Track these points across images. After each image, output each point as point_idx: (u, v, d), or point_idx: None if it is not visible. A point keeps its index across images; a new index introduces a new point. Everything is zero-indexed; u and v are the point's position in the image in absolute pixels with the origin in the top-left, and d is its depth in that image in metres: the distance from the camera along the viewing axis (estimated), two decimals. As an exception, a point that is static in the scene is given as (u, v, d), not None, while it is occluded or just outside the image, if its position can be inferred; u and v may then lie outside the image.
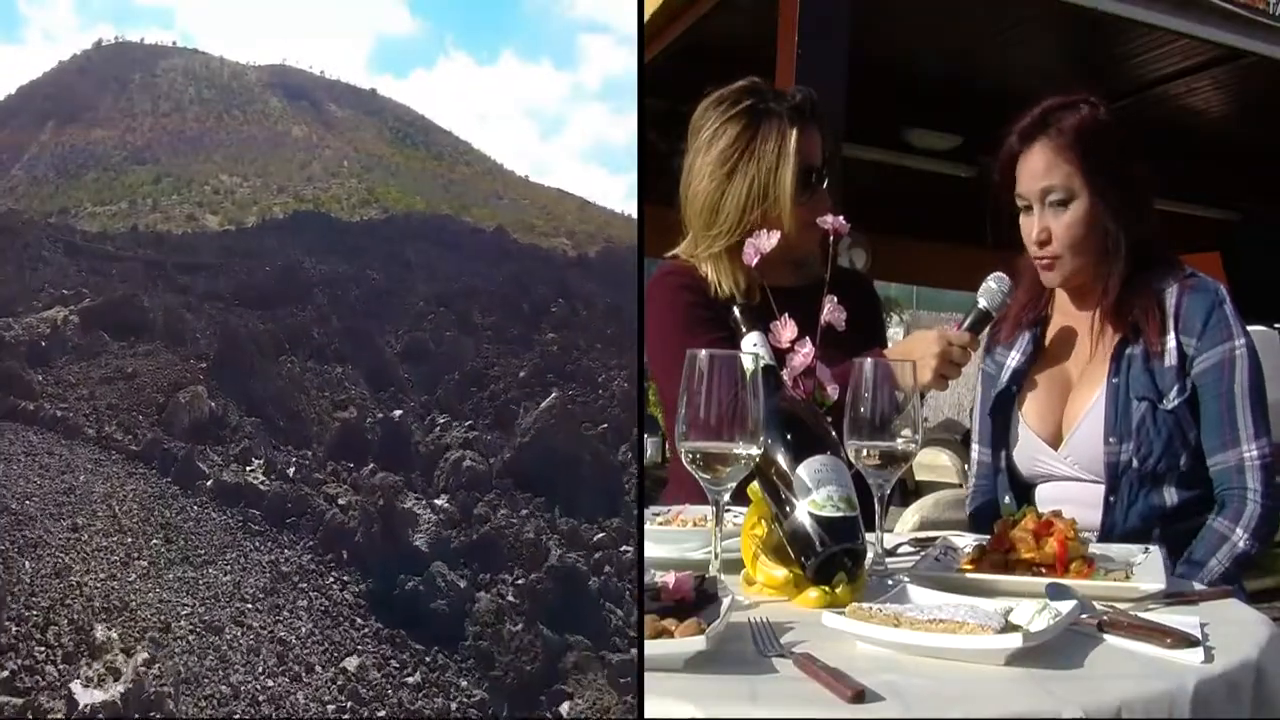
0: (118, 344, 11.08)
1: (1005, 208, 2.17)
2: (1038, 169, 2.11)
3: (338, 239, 19.33)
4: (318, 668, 5.75)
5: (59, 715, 4.84)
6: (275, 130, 38.84)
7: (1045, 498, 2.17)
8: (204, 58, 45.47)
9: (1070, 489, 2.14)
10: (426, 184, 35.68)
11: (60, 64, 45.74)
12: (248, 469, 8.27)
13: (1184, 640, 1.25)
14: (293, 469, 8.29)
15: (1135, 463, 2.05)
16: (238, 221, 27.52)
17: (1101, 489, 2.10)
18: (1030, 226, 2.13)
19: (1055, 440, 2.16)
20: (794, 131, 2.21)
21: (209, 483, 7.85)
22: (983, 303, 2.07)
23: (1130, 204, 2.11)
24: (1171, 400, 2.05)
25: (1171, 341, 2.07)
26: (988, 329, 2.14)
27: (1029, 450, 2.19)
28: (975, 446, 2.35)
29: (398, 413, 9.38)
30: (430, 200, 31.88)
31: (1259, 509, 2.01)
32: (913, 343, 2.11)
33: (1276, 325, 6.38)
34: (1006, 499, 2.22)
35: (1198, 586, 1.80)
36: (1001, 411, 2.26)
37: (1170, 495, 2.07)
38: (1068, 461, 2.14)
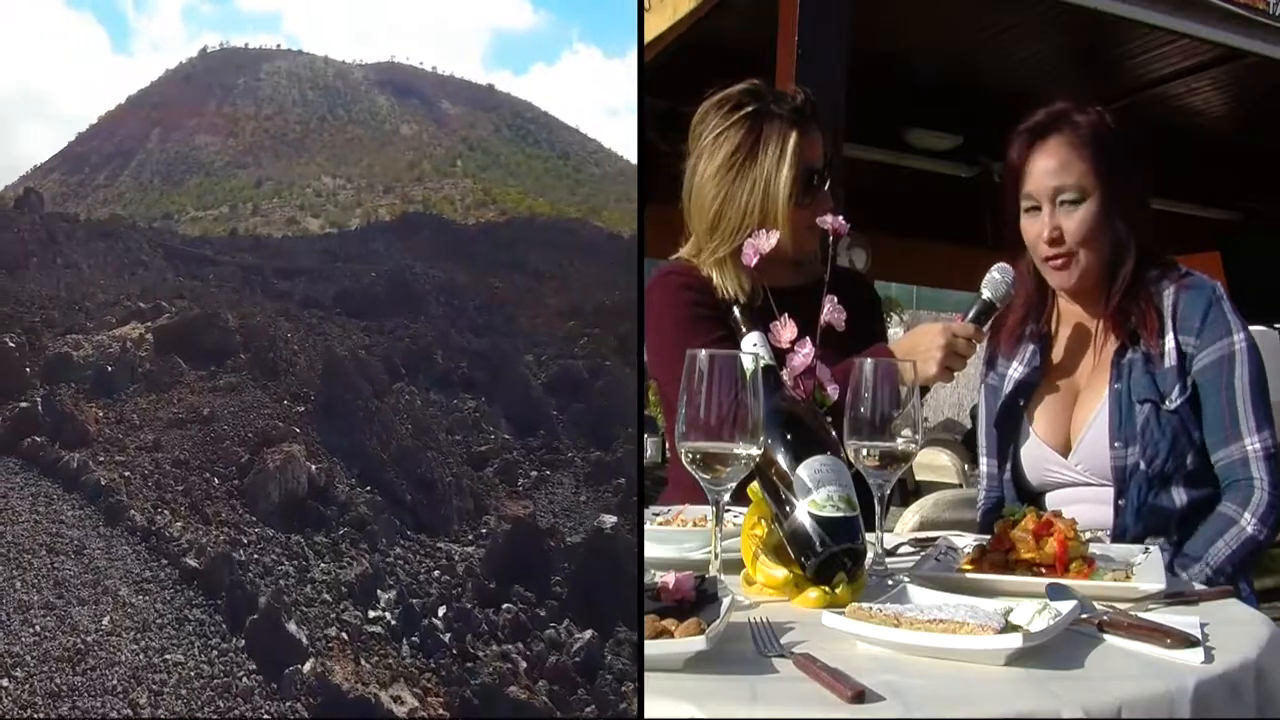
0: (195, 373, 9.12)
1: (1011, 207, 2.17)
2: (1051, 166, 2.10)
3: (451, 243, 17.72)
4: None
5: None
6: (382, 129, 37.75)
7: (1056, 505, 2.16)
8: (308, 59, 44.78)
9: (1080, 494, 2.15)
10: (550, 185, 33.77)
11: (167, 72, 45.64)
12: (374, 606, 5.71)
13: (1184, 640, 1.25)
14: (436, 596, 5.66)
15: (1142, 465, 2.06)
16: (340, 224, 26.48)
17: (1111, 492, 2.10)
18: (1038, 227, 2.11)
19: (1064, 448, 2.16)
20: (795, 134, 2.22)
21: (301, 634, 5.22)
22: (986, 293, 2.07)
23: (1138, 206, 2.12)
24: (1174, 400, 2.05)
25: (1170, 342, 2.07)
26: (990, 321, 2.14)
27: (1039, 460, 2.19)
28: (983, 460, 2.35)
29: (609, 520, 6.09)
30: (555, 203, 29.82)
31: (1267, 496, 2.01)
32: (917, 335, 2.10)
33: (1276, 325, 6.38)
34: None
35: (1198, 586, 1.80)
36: (1008, 422, 2.26)
37: (1179, 496, 2.07)
38: (1078, 468, 2.14)
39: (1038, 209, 2.12)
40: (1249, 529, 2.00)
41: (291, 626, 5.35)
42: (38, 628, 5.13)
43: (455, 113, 39.95)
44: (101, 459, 7.32)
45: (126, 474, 7.11)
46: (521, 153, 37.56)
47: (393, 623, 5.72)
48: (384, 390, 8.54)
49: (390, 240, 18.44)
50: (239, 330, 9.75)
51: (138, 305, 11.14)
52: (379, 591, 5.99)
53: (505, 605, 5.84)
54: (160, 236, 18.18)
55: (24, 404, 7.91)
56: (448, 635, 5.59)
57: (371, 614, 5.84)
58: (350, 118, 38.91)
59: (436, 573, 6.31)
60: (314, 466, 7.22)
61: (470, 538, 6.99)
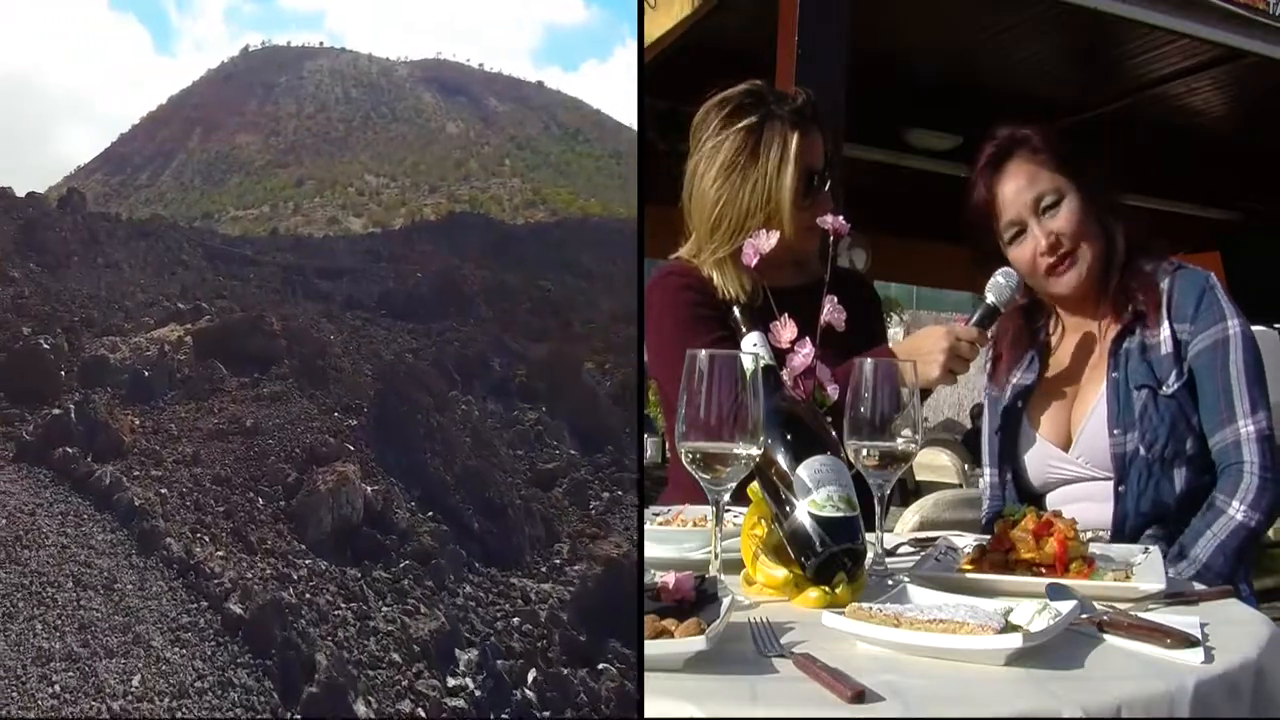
0: (237, 380, 8.32)
1: (992, 245, 2.18)
2: (1021, 184, 2.13)
3: (500, 243, 16.86)
4: None
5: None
6: (428, 127, 36.96)
7: (1057, 502, 2.17)
8: (351, 56, 43.94)
9: (1081, 490, 2.15)
10: (602, 184, 32.97)
11: (208, 72, 45.26)
12: (453, 670, 4.86)
13: (1184, 640, 1.25)
14: (521, 654, 4.82)
15: (1142, 450, 2.06)
16: (383, 224, 25.73)
17: (1112, 485, 2.10)
18: (1030, 246, 2.13)
19: (1065, 443, 2.17)
20: (796, 135, 2.22)
21: (369, 711, 4.42)
22: (991, 298, 2.07)
23: (1112, 197, 2.16)
24: (1170, 385, 2.06)
25: (1166, 330, 2.09)
26: (994, 325, 2.14)
27: (1041, 458, 2.20)
28: (986, 470, 2.35)
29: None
30: (607, 203, 29.06)
31: (1256, 480, 2.00)
32: (920, 337, 2.11)
33: (1276, 325, 6.38)
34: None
35: (1198, 586, 1.80)
36: (1010, 426, 2.27)
37: (1180, 481, 2.07)
38: (1079, 461, 2.14)
39: (1023, 231, 2.13)
40: (1238, 516, 2.00)
41: (360, 707, 4.46)
42: (58, 687, 4.44)
43: (503, 110, 39.16)
44: (136, 473, 6.59)
45: (163, 491, 6.32)
46: (571, 151, 36.82)
47: (477, 693, 4.81)
48: (443, 401, 7.59)
49: (435, 240, 17.66)
50: (283, 334, 8.91)
51: (176, 306, 10.57)
52: (456, 651, 5.14)
53: (602, 665, 4.96)
54: (200, 236, 17.76)
55: (56, 410, 7.40)
56: (545, 714, 4.64)
57: (451, 681, 4.92)
58: (394, 116, 38.24)
59: (516, 619, 5.55)
60: (370, 489, 6.31)
61: (544, 570, 6.26)
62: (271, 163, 34.88)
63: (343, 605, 5.41)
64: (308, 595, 5.40)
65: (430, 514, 6.44)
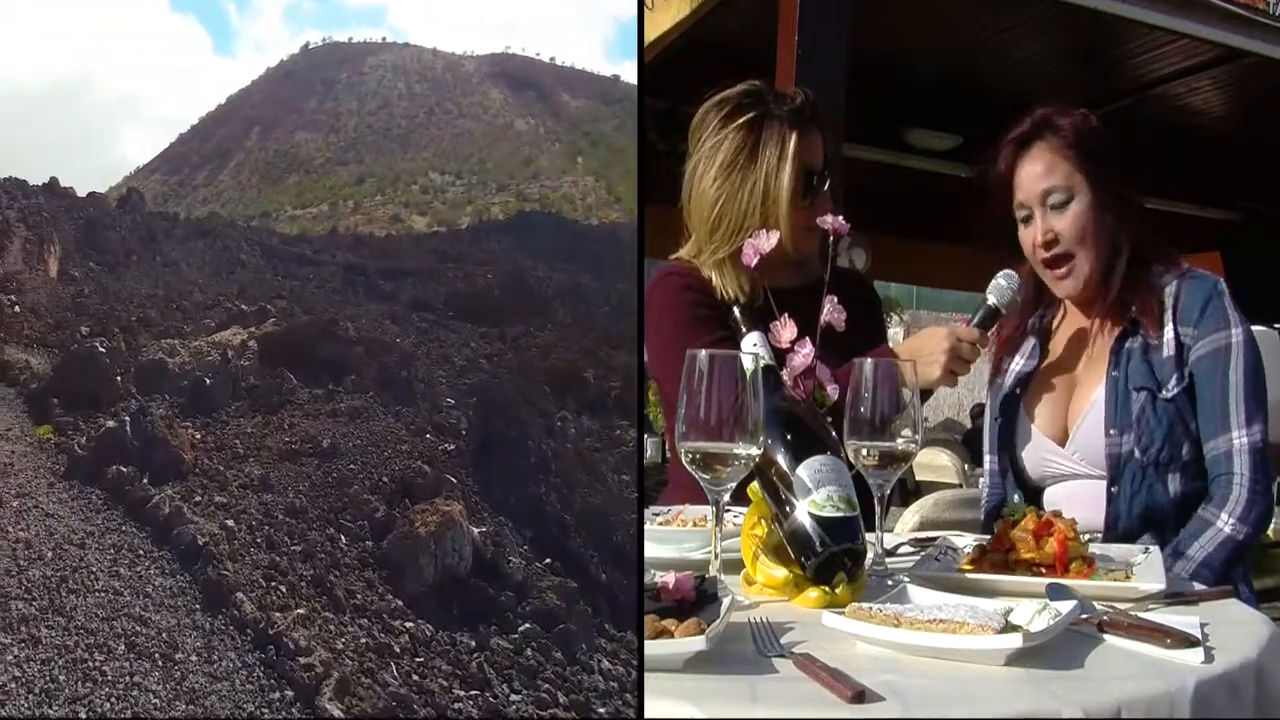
0: (308, 391, 7.42)
1: (1003, 219, 2.18)
2: (1037, 171, 2.12)
3: (572, 244, 16.24)
4: None
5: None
6: (495, 123, 35.47)
7: (1053, 499, 2.17)
8: (415, 51, 42.43)
9: (1077, 488, 2.14)
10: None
11: (268, 71, 44.04)
12: None
13: (1184, 640, 1.25)
14: None
15: (1137, 453, 2.05)
16: (448, 223, 24.74)
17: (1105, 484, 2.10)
18: (1032, 234, 2.13)
19: (1061, 438, 2.16)
20: (794, 136, 2.22)
21: None
22: (992, 299, 2.07)
23: (1127, 202, 2.13)
24: (1170, 389, 2.05)
25: (1170, 332, 2.08)
26: (995, 327, 2.14)
27: (1037, 451, 2.19)
28: (987, 458, 2.35)
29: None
30: None
31: (1245, 493, 1.99)
32: (921, 339, 2.11)
33: (1276, 325, 6.38)
34: (1016, 497, 2.22)
35: (1197, 586, 1.80)
36: (1007, 415, 2.27)
37: (1174, 485, 2.06)
38: (1074, 458, 2.14)
39: (1030, 216, 2.14)
40: (1226, 529, 1.99)
41: None
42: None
43: (576, 106, 37.48)
44: (198, 499, 5.81)
45: (229, 523, 5.49)
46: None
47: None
48: (549, 422, 6.46)
49: (504, 240, 16.95)
50: (358, 340, 7.94)
51: (239, 308, 9.90)
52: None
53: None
54: (258, 235, 17.44)
55: (111, 423, 6.71)
56: None
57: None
58: (460, 111, 36.60)
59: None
60: (478, 531, 5.33)
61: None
62: (331, 160, 33.76)
63: (462, 694, 4.40)
64: (416, 677, 4.47)
65: (548, 561, 5.46)
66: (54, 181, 15.34)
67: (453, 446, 6.51)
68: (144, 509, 5.76)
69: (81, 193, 15.83)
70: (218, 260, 14.15)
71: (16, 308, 10.00)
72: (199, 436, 6.72)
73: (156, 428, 6.48)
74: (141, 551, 5.31)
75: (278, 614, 4.70)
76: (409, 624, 4.81)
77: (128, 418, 6.69)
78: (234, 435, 6.88)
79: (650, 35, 5.36)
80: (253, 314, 9.44)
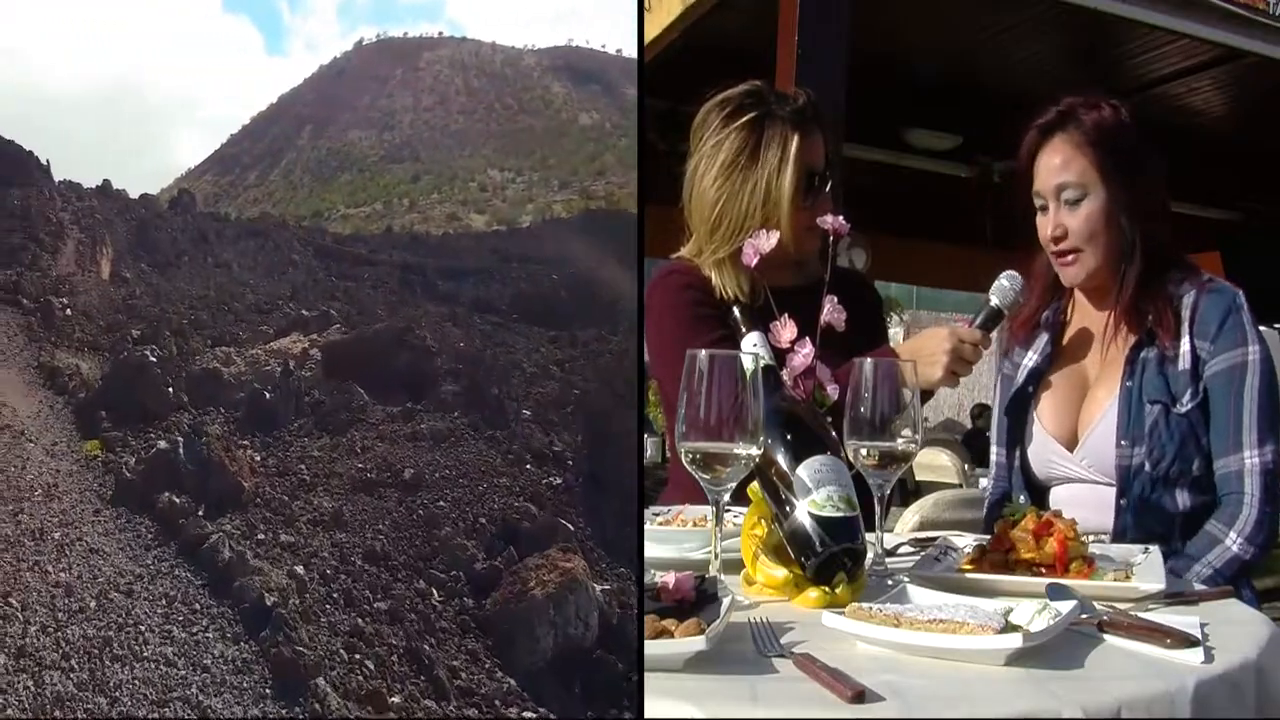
0: (383, 410, 6.52)
1: (1019, 204, 2.17)
2: (1054, 164, 2.11)
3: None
4: None
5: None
6: (558, 119, 34.49)
7: (1059, 502, 2.16)
8: (474, 45, 41.41)
9: (1084, 492, 2.13)
10: None
11: (320, 68, 43.29)
12: None
13: (1184, 640, 1.25)
14: None
15: (1147, 466, 2.04)
16: (509, 221, 23.96)
17: (1114, 494, 2.09)
18: (1045, 225, 2.13)
19: (1070, 442, 2.15)
20: (796, 136, 2.22)
21: None
22: (995, 300, 2.06)
23: (1145, 204, 2.11)
24: (1185, 404, 2.04)
25: (1186, 345, 2.06)
26: (999, 328, 2.14)
27: (1044, 451, 2.19)
28: (994, 448, 2.35)
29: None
30: None
31: (1254, 514, 1.99)
32: (923, 339, 2.10)
33: (1277, 325, 6.38)
34: (1022, 498, 2.21)
35: (1198, 586, 1.80)
36: (1017, 411, 2.26)
37: (1183, 500, 2.05)
38: (1082, 464, 2.13)
39: (1046, 207, 2.14)
40: (1234, 548, 1.99)
41: None
42: None
43: None
44: (261, 537, 5.07)
45: (299, 571, 4.69)
46: (720, 144, 35.42)
47: None
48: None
49: (568, 239, 16.17)
50: (438, 350, 7.18)
51: (300, 313, 8.95)
52: None
53: None
54: (310, 235, 17.02)
55: (162, 443, 6.03)
56: None
57: None
58: (521, 106, 35.44)
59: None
60: (601, 590, 4.45)
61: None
62: (385, 158, 32.77)
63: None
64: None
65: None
66: (107, 184, 15.42)
67: (560, 480, 5.62)
68: (199, 550, 5.01)
69: (134, 194, 15.94)
70: (269, 260, 13.91)
71: (68, 310, 9.87)
72: (259, 459, 5.99)
73: (213, 449, 5.76)
74: (198, 606, 4.54)
75: (369, 709, 3.88)
76: (528, 715, 3.95)
77: (180, 438, 6.01)
78: (298, 458, 6.11)
79: (647, 35, 5.36)
80: (314, 319, 8.52)
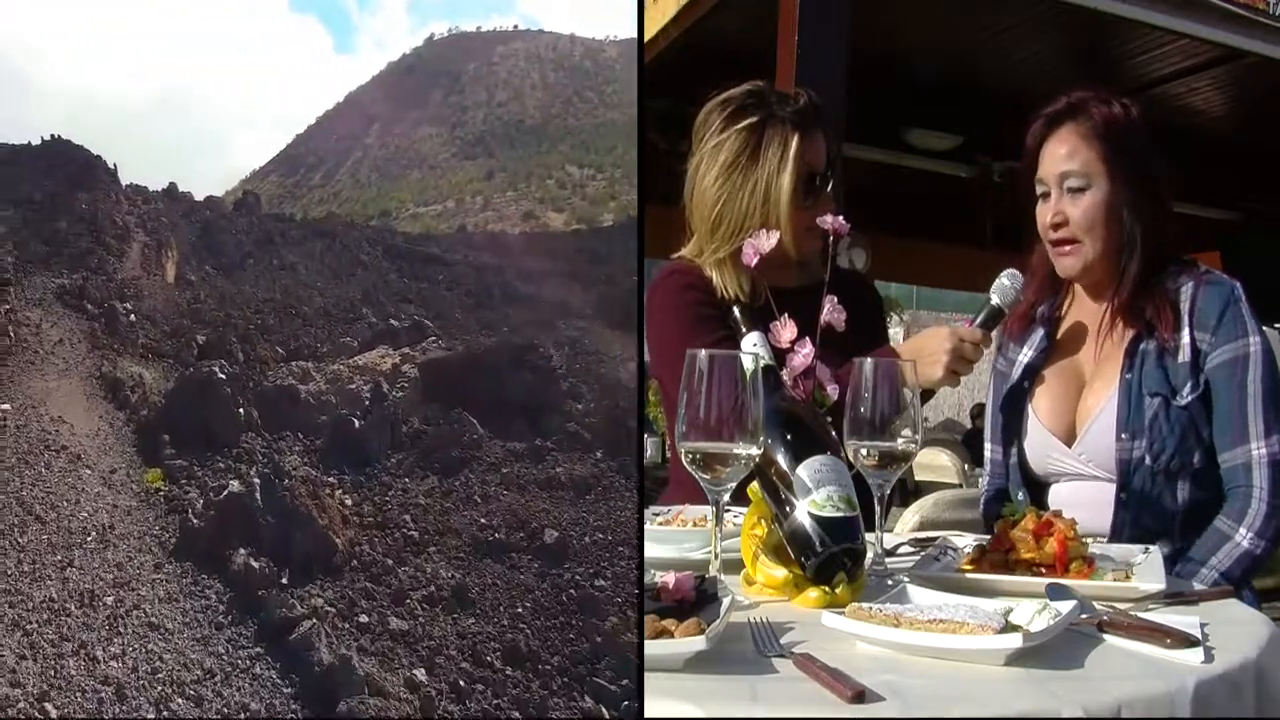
0: (501, 446, 5.34)
1: (1019, 202, 2.17)
2: (1060, 153, 2.12)
3: None
4: None
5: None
6: None
7: (1059, 499, 2.16)
8: (551, 38, 40.12)
9: (1084, 489, 2.12)
10: None
11: (389, 66, 42.44)
12: None
13: (1184, 640, 1.25)
14: None
15: (1148, 459, 2.03)
16: (589, 220, 23.15)
17: (1113, 492, 2.08)
18: (1046, 212, 2.13)
19: (1068, 437, 2.14)
20: (797, 137, 2.22)
21: None
22: (996, 299, 2.05)
23: (1148, 200, 2.11)
24: (1184, 396, 2.03)
25: (1185, 337, 2.05)
26: (999, 326, 2.13)
27: (1042, 447, 2.18)
28: (988, 445, 2.34)
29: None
30: None
31: (1264, 507, 1.98)
32: (924, 339, 2.10)
33: (1277, 325, 6.38)
34: (1020, 495, 2.21)
35: (1198, 586, 1.80)
36: (1013, 406, 2.25)
37: (1184, 494, 2.04)
38: (1081, 459, 2.12)
39: (1048, 194, 2.14)
40: (1244, 543, 1.97)
41: None
42: None
43: None
44: (363, 618, 3.94)
45: (418, 675, 3.60)
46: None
47: None
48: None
49: None
50: (565, 372, 5.53)
51: (388, 324, 7.71)
52: None
53: None
54: (379, 235, 16.43)
55: (235, 484, 4.99)
56: None
57: None
58: (601, 100, 34.34)
59: None
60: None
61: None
62: (456, 155, 31.68)
63: None
64: None
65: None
66: (173, 186, 15.47)
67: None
68: (280, 633, 4.03)
69: (199, 197, 15.96)
70: (337, 262, 13.31)
71: (132, 316, 9.60)
72: (350, 503, 4.90)
73: (296, 493, 4.72)
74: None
75: None
76: None
77: (256, 478, 4.99)
78: (400, 506, 4.99)
79: (647, 30, 5.36)
80: (405, 331, 7.23)
